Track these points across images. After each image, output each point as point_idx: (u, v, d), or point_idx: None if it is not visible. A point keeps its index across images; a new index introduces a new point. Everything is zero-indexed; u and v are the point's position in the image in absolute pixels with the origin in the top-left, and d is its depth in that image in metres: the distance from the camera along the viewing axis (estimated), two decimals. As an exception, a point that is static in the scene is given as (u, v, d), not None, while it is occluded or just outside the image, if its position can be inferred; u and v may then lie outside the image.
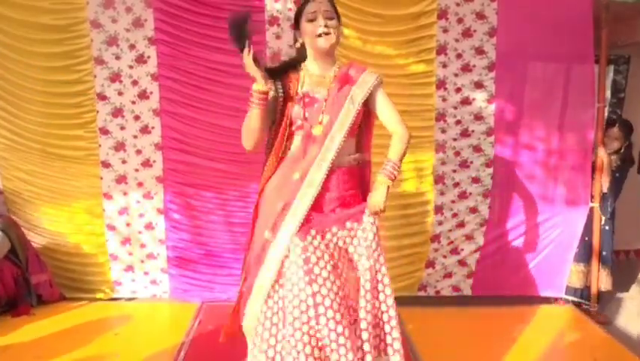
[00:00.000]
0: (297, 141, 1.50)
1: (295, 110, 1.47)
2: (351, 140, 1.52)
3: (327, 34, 1.41)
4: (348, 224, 1.47)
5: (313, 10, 1.42)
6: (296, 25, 1.49)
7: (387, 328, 1.50)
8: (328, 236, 1.44)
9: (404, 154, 1.50)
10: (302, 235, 1.39)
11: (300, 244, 1.38)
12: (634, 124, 2.70)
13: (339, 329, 1.34)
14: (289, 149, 1.51)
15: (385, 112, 1.51)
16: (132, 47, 2.38)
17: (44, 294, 2.47)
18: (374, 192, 1.46)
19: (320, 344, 1.36)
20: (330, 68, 1.50)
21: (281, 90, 1.46)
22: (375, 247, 1.47)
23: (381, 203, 1.44)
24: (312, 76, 1.49)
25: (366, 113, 1.54)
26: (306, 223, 1.41)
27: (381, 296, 1.49)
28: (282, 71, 1.49)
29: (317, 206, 1.44)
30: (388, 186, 1.45)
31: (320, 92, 1.46)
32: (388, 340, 1.50)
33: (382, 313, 1.50)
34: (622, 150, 2.62)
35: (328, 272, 1.38)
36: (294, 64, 1.52)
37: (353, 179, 1.52)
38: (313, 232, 1.42)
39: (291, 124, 1.49)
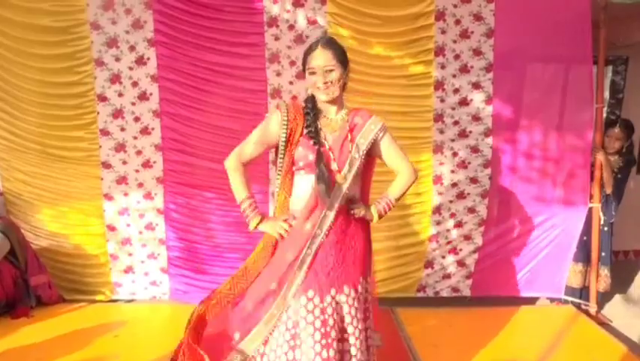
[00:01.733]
0: (303, 183, 1.45)
1: (299, 152, 1.44)
2: (355, 187, 1.48)
3: (327, 88, 1.41)
4: (346, 289, 1.41)
5: (312, 67, 1.41)
6: (304, 71, 1.46)
7: None
8: (328, 299, 1.39)
9: (403, 195, 1.51)
10: (300, 296, 1.37)
11: (299, 305, 1.37)
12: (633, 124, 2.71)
13: None
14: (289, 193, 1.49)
15: (391, 157, 1.49)
16: (132, 48, 2.39)
17: (43, 296, 2.47)
18: (365, 209, 1.46)
19: None
20: (337, 112, 1.47)
21: (284, 135, 1.43)
22: (364, 312, 1.46)
23: (361, 213, 1.44)
24: (321, 119, 1.46)
25: (368, 159, 1.51)
26: (307, 279, 1.39)
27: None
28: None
29: (321, 253, 1.41)
30: (371, 219, 1.46)
31: (326, 138, 1.43)
32: None
33: None
34: (623, 151, 2.62)
35: (321, 335, 1.35)
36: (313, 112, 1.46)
37: (354, 224, 1.47)
38: (311, 293, 1.38)
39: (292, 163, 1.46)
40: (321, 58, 1.40)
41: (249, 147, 1.49)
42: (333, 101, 1.46)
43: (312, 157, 1.41)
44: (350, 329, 1.41)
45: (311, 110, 1.45)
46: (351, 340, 1.40)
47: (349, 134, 1.44)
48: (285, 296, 1.40)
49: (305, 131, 1.43)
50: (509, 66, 2.47)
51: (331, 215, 1.41)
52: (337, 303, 1.40)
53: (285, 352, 1.38)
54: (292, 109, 1.46)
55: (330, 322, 1.37)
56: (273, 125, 1.46)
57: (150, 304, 2.59)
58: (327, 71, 1.40)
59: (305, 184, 1.45)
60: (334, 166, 1.42)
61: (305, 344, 1.36)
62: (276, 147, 1.48)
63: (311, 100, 1.47)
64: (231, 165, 1.50)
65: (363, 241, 1.49)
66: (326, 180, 1.38)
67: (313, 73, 1.42)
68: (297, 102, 1.56)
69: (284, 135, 1.43)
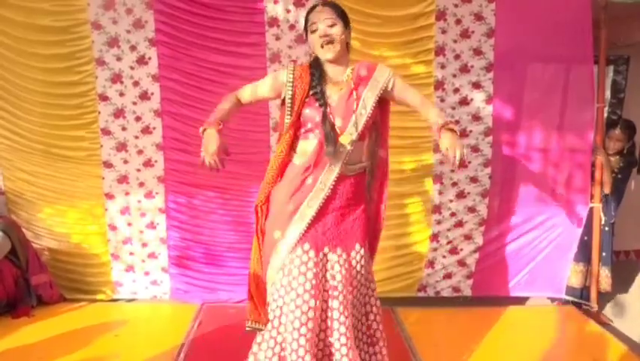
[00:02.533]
0: (309, 144, 1.47)
1: (306, 113, 1.45)
2: (361, 144, 1.50)
3: (329, 42, 1.41)
4: (339, 250, 1.47)
5: (314, 21, 1.42)
6: (306, 36, 1.49)
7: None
8: (320, 255, 1.45)
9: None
10: (300, 247, 1.43)
11: (297, 256, 1.43)
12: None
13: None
14: (295, 151, 1.50)
15: (410, 97, 1.52)
16: (133, 48, 2.39)
17: (44, 295, 2.47)
18: (443, 139, 1.37)
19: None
20: (343, 73, 1.47)
21: (290, 91, 1.45)
22: (361, 279, 1.51)
23: (455, 145, 1.35)
24: (327, 79, 1.47)
25: (382, 109, 1.53)
26: (307, 233, 1.44)
27: (370, 317, 1.56)
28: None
29: (322, 213, 1.45)
30: (454, 130, 1.40)
31: (331, 97, 1.45)
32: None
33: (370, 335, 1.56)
34: (625, 151, 2.61)
35: (311, 286, 1.41)
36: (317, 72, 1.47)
37: (357, 188, 1.51)
38: (307, 246, 1.44)
39: (299, 126, 1.47)
40: (322, 13, 1.41)
41: (250, 87, 1.54)
42: (337, 61, 1.45)
43: (318, 118, 1.42)
44: (340, 287, 1.44)
45: (316, 70, 1.45)
46: (340, 298, 1.43)
47: (354, 92, 1.43)
48: (285, 244, 1.45)
49: (311, 92, 1.44)
50: (510, 66, 2.47)
51: (335, 171, 1.43)
52: (328, 260, 1.45)
53: (282, 295, 1.44)
54: (299, 69, 1.47)
55: (320, 275, 1.43)
56: (279, 78, 1.48)
57: (151, 304, 2.59)
58: (329, 25, 1.40)
59: (312, 144, 1.46)
60: (338, 123, 1.42)
61: (295, 291, 1.40)
62: (282, 110, 1.51)
63: (315, 61, 1.47)
64: (227, 95, 1.55)
65: (362, 211, 1.52)
66: (333, 142, 1.39)
67: (315, 30, 1.42)
68: (304, 64, 1.53)
69: (290, 93, 1.45)
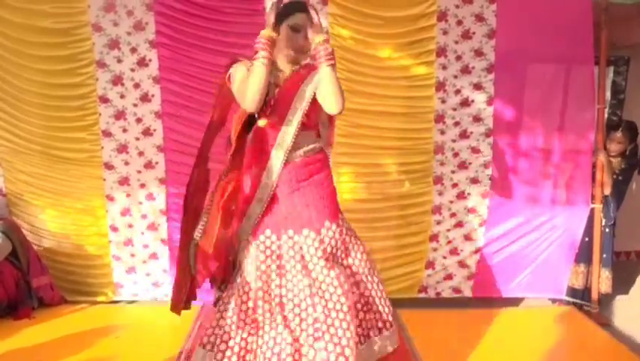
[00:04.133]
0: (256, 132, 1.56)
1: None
2: (307, 133, 1.56)
3: (301, 52, 1.51)
4: (305, 231, 1.51)
5: (301, 24, 1.48)
6: (276, 20, 1.47)
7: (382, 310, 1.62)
8: (284, 238, 1.53)
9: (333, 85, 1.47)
10: (258, 234, 1.54)
11: (254, 242, 1.54)
12: (633, 125, 2.70)
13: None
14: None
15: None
16: (134, 50, 2.39)
17: (45, 297, 2.47)
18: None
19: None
20: (289, 68, 1.55)
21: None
22: (342, 252, 1.56)
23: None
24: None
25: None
26: (263, 218, 1.54)
27: (370, 285, 1.60)
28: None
29: (275, 198, 1.54)
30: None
31: (271, 90, 1.51)
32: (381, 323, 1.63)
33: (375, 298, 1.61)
34: (627, 153, 2.61)
35: (272, 271, 1.53)
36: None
37: (308, 168, 1.56)
38: (268, 231, 1.54)
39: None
40: (307, 19, 1.47)
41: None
42: (294, 60, 1.54)
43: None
44: (310, 266, 1.50)
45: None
46: (313, 275, 1.49)
47: (296, 86, 1.50)
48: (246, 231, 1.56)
49: None
50: (511, 67, 2.47)
51: (277, 164, 1.52)
52: (295, 243, 1.52)
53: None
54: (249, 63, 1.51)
55: (286, 257, 1.52)
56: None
57: (152, 306, 2.59)
58: (306, 36, 1.47)
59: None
60: (274, 119, 1.52)
61: (265, 275, 1.53)
62: None
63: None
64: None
65: (325, 188, 1.57)
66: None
67: (297, 30, 1.48)
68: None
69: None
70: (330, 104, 1.48)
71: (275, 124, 1.53)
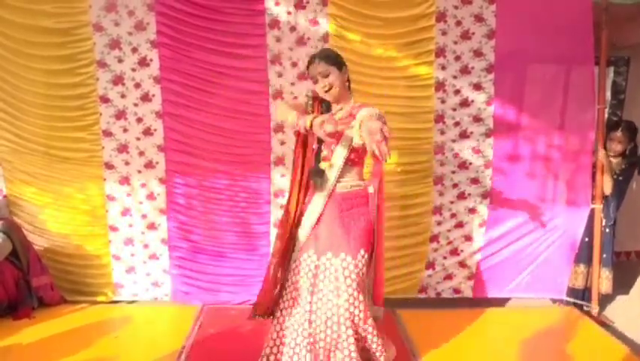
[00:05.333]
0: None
1: (309, 141, 1.79)
2: (353, 168, 1.75)
3: (327, 90, 1.70)
4: (342, 255, 1.68)
5: (313, 75, 1.71)
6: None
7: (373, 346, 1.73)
8: (322, 259, 1.70)
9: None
10: (301, 253, 1.74)
11: (298, 260, 1.74)
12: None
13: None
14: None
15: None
16: (134, 50, 2.40)
17: (45, 297, 2.47)
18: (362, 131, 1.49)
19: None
20: (342, 109, 1.74)
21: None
22: (351, 283, 1.67)
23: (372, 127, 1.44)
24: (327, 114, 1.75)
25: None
26: (308, 241, 1.73)
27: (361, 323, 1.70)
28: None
29: (320, 224, 1.73)
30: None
31: (328, 129, 1.65)
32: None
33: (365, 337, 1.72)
34: (627, 153, 2.61)
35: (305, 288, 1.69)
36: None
37: (350, 201, 1.74)
38: (311, 251, 1.72)
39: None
40: (318, 67, 1.69)
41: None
42: (336, 100, 1.74)
43: (315, 147, 1.77)
44: (342, 287, 1.66)
45: (321, 106, 1.78)
46: (341, 293, 1.66)
47: (343, 127, 1.63)
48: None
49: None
50: (511, 67, 2.48)
51: (323, 196, 1.72)
52: (332, 265, 1.69)
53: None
54: (315, 100, 1.79)
55: (321, 277, 1.69)
56: (300, 105, 1.80)
57: (152, 306, 2.59)
58: (324, 76, 1.68)
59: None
60: (325, 154, 1.73)
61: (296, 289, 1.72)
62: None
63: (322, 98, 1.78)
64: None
65: (363, 222, 1.73)
66: (318, 174, 1.72)
67: (316, 82, 1.71)
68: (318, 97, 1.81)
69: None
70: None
71: (326, 158, 1.73)
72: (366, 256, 1.70)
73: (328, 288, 1.66)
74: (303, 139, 1.78)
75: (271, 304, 1.78)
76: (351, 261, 1.67)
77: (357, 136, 1.50)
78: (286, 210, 1.80)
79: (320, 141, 1.73)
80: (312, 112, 1.75)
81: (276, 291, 1.76)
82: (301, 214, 1.77)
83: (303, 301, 1.68)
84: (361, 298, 1.66)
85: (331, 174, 1.70)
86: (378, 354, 1.72)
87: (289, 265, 1.77)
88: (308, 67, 1.73)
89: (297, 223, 1.77)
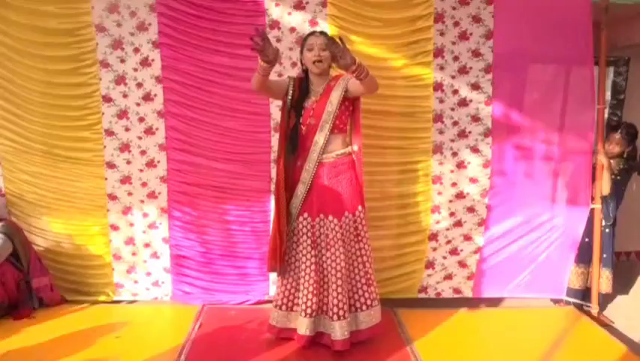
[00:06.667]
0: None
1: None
2: (337, 136, 2.01)
3: (319, 61, 1.94)
4: (330, 217, 1.98)
5: (311, 43, 1.95)
6: (301, 53, 2.02)
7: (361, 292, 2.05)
8: (317, 220, 1.99)
9: (370, 78, 1.83)
10: (299, 217, 2.02)
11: (296, 223, 2.03)
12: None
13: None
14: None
15: (353, 83, 1.91)
16: (137, 50, 2.42)
17: (45, 297, 2.47)
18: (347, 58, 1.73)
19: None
20: (323, 83, 2.01)
21: (290, 98, 2.01)
22: (358, 235, 2.03)
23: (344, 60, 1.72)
24: (311, 88, 2.02)
25: (352, 109, 2.04)
26: (303, 206, 2.01)
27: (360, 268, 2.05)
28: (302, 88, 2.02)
29: (312, 191, 2.00)
30: (353, 62, 1.74)
31: (310, 101, 2.00)
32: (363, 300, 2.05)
33: (358, 281, 2.04)
34: (625, 155, 2.61)
35: (309, 245, 2.01)
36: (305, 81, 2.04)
37: (336, 169, 2.01)
38: (306, 214, 2.01)
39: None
40: (319, 39, 1.94)
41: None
42: (321, 75, 1.99)
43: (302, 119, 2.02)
44: (332, 243, 1.97)
45: (305, 82, 2.02)
46: (332, 250, 1.97)
47: (327, 95, 1.95)
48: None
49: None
50: (509, 67, 2.48)
51: (312, 163, 1.99)
52: (324, 225, 1.98)
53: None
54: (296, 81, 2.03)
55: (317, 234, 2.00)
56: (283, 83, 2.04)
57: (152, 306, 2.59)
58: (322, 49, 1.92)
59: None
60: (313, 122, 1.98)
61: (301, 245, 2.02)
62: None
63: (305, 74, 2.04)
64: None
65: (349, 184, 2.01)
66: (293, 143, 2.01)
67: (311, 49, 1.94)
68: (298, 75, 2.08)
69: (289, 98, 2.02)
70: (359, 92, 1.94)
71: (313, 128, 1.98)
72: (363, 211, 2.03)
73: (325, 242, 1.97)
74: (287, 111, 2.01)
75: (277, 261, 2.02)
76: (336, 222, 1.96)
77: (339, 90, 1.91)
78: (278, 171, 2.03)
79: (300, 114, 1.99)
80: (293, 93, 1.99)
81: (282, 250, 2.01)
82: (294, 182, 2.02)
83: (307, 255, 1.99)
84: (368, 246, 2.04)
85: (318, 144, 1.97)
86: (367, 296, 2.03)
87: (289, 229, 2.03)
88: (307, 37, 1.97)
89: (287, 187, 2.01)
